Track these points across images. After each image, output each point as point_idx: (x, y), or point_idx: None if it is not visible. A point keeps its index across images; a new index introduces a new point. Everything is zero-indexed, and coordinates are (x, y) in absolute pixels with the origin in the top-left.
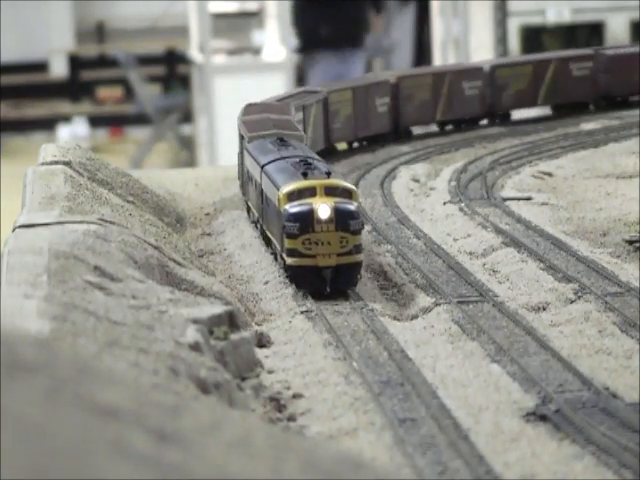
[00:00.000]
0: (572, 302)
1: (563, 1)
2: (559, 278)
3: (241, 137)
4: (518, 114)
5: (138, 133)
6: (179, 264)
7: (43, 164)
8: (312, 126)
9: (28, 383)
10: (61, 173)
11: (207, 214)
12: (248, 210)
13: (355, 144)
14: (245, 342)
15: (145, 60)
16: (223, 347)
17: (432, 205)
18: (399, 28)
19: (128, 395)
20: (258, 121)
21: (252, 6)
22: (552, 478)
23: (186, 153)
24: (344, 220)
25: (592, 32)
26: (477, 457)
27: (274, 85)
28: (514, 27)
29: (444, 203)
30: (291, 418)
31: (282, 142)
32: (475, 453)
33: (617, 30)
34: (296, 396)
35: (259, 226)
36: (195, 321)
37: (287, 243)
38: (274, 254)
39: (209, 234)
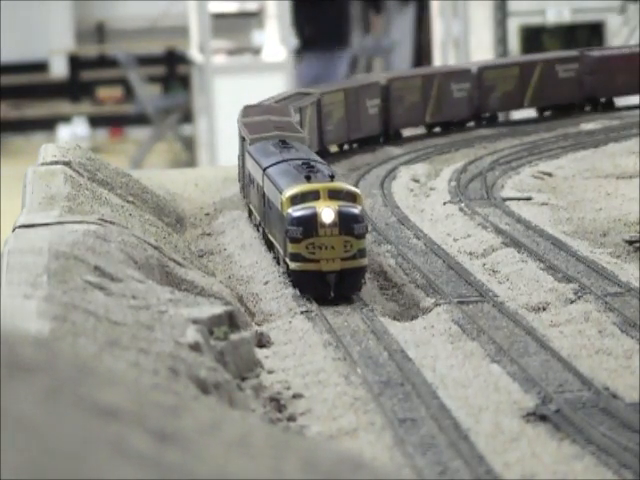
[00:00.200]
0: (572, 302)
1: (563, 1)
2: (559, 278)
3: (242, 139)
4: (518, 114)
5: (138, 133)
6: (179, 264)
7: (43, 164)
8: (307, 128)
9: (28, 383)
10: (61, 173)
11: (207, 214)
12: (249, 213)
13: (345, 146)
14: (245, 342)
15: (145, 60)
16: (223, 347)
17: (432, 205)
18: (399, 28)
19: (128, 395)
20: (259, 123)
21: (252, 6)
22: (552, 478)
23: (187, 153)
24: (348, 224)
25: (592, 32)
26: (477, 457)
27: (274, 85)
28: (514, 27)
29: (444, 203)
30: (291, 418)
31: (284, 144)
32: (475, 453)
33: (617, 30)
34: (296, 396)
35: (261, 229)
36: (195, 321)
37: (290, 247)
38: (276, 258)
39: (209, 234)
